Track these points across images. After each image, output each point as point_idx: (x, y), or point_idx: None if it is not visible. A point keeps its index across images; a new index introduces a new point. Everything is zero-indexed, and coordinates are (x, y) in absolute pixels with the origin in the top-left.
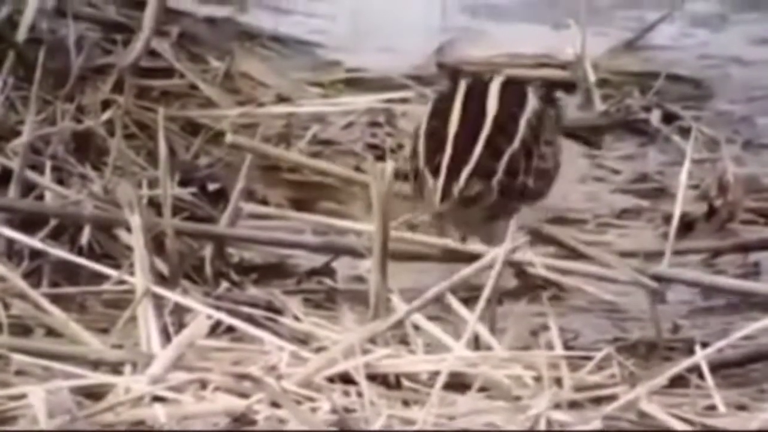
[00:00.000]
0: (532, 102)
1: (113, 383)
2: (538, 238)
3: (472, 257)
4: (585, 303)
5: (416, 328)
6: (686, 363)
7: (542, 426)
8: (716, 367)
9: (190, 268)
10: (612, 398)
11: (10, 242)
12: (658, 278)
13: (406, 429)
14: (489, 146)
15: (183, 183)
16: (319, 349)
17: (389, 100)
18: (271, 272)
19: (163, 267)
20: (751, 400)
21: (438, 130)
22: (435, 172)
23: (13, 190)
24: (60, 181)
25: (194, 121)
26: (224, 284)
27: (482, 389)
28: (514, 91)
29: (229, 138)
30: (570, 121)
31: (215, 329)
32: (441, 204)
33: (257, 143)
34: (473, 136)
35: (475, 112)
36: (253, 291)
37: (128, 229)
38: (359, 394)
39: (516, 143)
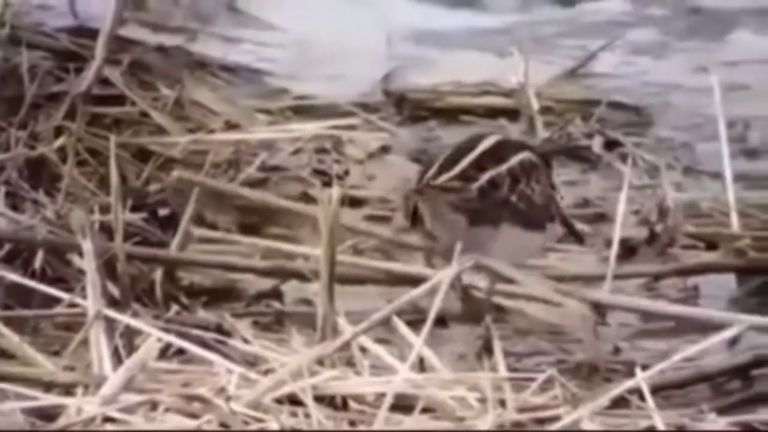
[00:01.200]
0: (529, 154)
1: (65, 404)
2: (478, 268)
3: (418, 280)
4: (528, 325)
5: (363, 350)
6: (627, 385)
7: None
8: (656, 389)
9: (141, 291)
10: (555, 419)
11: None
12: (597, 305)
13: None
14: (475, 163)
15: (134, 208)
16: (268, 371)
17: (336, 127)
18: (221, 295)
19: (114, 290)
20: (691, 421)
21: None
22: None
23: None
24: (13, 207)
25: (145, 148)
26: (174, 307)
27: (427, 410)
28: (512, 143)
29: (174, 174)
30: None
31: (166, 351)
32: (417, 185)
33: (202, 178)
34: (462, 157)
35: (469, 147)
36: (202, 314)
37: (80, 254)
38: (307, 415)
39: (502, 168)
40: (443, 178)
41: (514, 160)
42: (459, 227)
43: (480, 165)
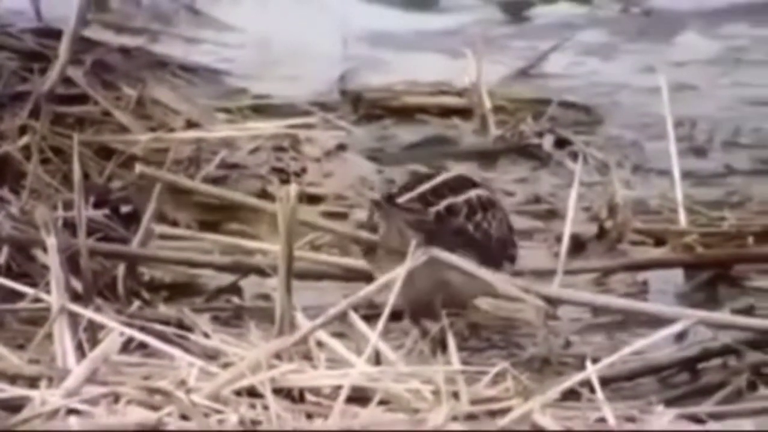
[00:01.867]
0: (487, 192)
1: (30, 396)
2: (435, 260)
3: (373, 276)
4: (481, 319)
5: (320, 344)
6: (577, 377)
7: None
8: (606, 381)
9: (104, 286)
10: (507, 411)
11: None
12: (548, 299)
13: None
14: (434, 190)
15: (97, 205)
16: (227, 365)
17: (294, 126)
18: (181, 291)
19: (77, 285)
20: (640, 413)
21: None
22: None
23: None
24: None
25: (107, 146)
26: (136, 302)
27: (383, 402)
28: (469, 180)
29: (138, 168)
30: (466, 145)
31: (127, 345)
32: (381, 199)
33: (164, 173)
34: (420, 183)
35: (427, 177)
36: (163, 309)
37: (44, 249)
38: (265, 407)
39: (459, 199)
40: (403, 198)
41: (472, 193)
42: (415, 243)
43: (438, 193)
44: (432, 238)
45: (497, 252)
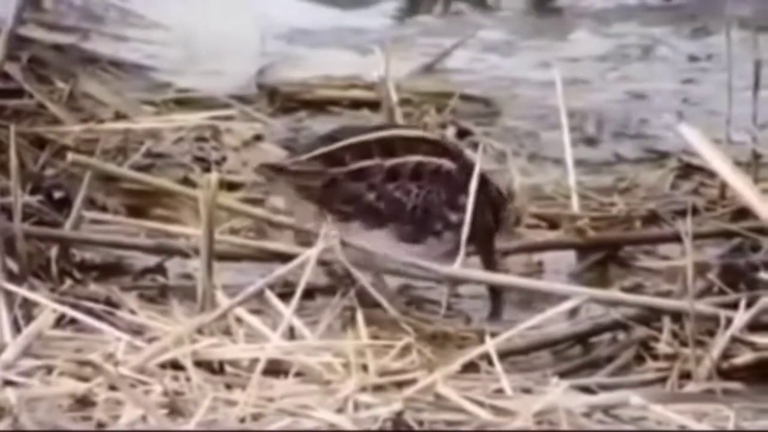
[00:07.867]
0: (442, 163)
1: None
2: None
3: (288, 257)
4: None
5: (238, 320)
6: (477, 351)
7: (350, 407)
8: (504, 355)
9: (38, 267)
10: (412, 382)
11: None
12: (452, 278)
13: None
14: (356, 147)
15: (32, 191)
16: (152, 339)
17: (215, 118)
18: (110, 271)
19: (13, 266)
20: (535, 384)
21: None
22: None
23: None
24: None
25: (42, 137)
26: (68, 281)
27: (297, 374)
28: (441, 146)
29: (70, 157)
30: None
31: (60, 321)
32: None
33: (94, 161)
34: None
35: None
36: (93, 287)
37: None
38: (187, 379)
39: (386, 164)
40: (306, 156)
41: (411, 158)
42: (309, 212)
43: (364, 148)
44: (323, 204)
45: (418, 224)
